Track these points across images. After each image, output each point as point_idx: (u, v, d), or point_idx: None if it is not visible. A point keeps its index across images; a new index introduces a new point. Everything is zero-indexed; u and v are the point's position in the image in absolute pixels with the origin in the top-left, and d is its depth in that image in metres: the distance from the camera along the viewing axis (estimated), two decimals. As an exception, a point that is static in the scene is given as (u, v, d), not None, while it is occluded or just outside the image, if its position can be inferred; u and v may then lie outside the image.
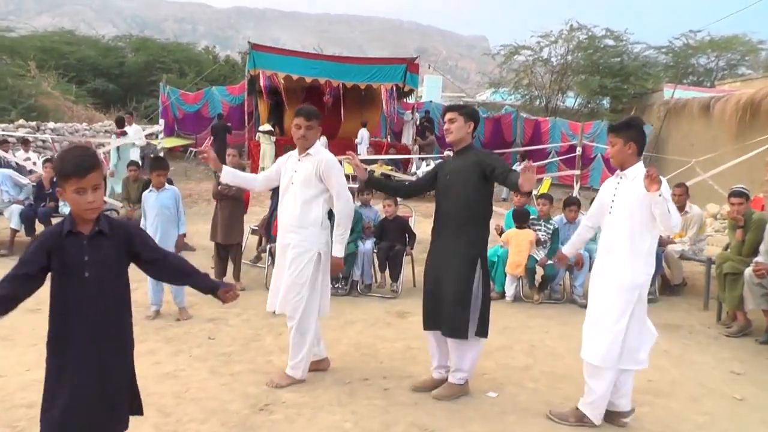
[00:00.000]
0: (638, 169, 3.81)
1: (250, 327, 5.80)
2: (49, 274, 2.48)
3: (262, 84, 16.83)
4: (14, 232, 7.93)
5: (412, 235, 7.55)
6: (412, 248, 7.51)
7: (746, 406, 4.45)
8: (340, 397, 4.25)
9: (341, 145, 15.60)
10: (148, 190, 6.13)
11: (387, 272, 7.46)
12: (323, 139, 14.42)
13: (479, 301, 4.13)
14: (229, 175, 4.64)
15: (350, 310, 6.51)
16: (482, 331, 4.21)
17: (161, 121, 16.17)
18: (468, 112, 4.28)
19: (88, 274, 2.45)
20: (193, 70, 25.72)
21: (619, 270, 3.78)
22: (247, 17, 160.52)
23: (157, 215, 5.96)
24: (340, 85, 17.40)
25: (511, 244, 7.21)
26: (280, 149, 16.48)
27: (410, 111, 19.43)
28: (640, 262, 3.76)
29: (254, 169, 14.84)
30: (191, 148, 18.97)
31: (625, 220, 3.79)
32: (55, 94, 19.29)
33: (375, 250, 7.32)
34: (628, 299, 3.75)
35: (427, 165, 15.07)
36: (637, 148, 3.85)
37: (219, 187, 6.96)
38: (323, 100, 17.62)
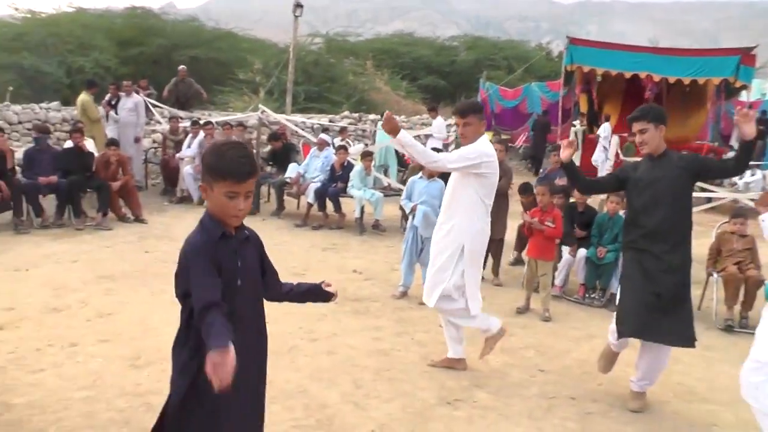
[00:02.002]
0: None
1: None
2: None
3: (577, 82, 16.28)
4: (309, 206, 9.10)
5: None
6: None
7: None
8: (534, 411, 3.99)
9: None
10: (418, 176, 6.61)
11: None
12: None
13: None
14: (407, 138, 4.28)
15: (598, 324, 5.89)
16: None
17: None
18: (655, 115, 3.93)
19: (240, 281, 2.26)
20: (521, 66, 26.02)
21: None
22: (591, 11, 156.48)
23: (424, 202, 6.37)
24: (663, 81, 15.84)
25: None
26: (587, 146, 15.80)
27: (743, 111, 16.84)
28: None
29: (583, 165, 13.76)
30: (507, 144, 19.30)
31: None
32: (385, 90, 21.35)
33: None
34: None
35: (752, 174, 12.83)
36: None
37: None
38: (644, 96, 16.30)
